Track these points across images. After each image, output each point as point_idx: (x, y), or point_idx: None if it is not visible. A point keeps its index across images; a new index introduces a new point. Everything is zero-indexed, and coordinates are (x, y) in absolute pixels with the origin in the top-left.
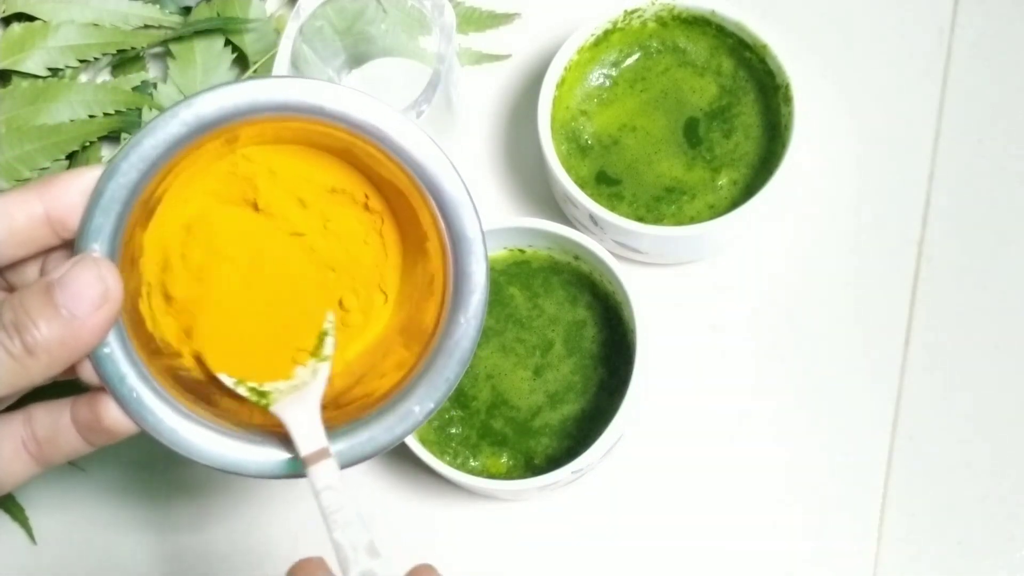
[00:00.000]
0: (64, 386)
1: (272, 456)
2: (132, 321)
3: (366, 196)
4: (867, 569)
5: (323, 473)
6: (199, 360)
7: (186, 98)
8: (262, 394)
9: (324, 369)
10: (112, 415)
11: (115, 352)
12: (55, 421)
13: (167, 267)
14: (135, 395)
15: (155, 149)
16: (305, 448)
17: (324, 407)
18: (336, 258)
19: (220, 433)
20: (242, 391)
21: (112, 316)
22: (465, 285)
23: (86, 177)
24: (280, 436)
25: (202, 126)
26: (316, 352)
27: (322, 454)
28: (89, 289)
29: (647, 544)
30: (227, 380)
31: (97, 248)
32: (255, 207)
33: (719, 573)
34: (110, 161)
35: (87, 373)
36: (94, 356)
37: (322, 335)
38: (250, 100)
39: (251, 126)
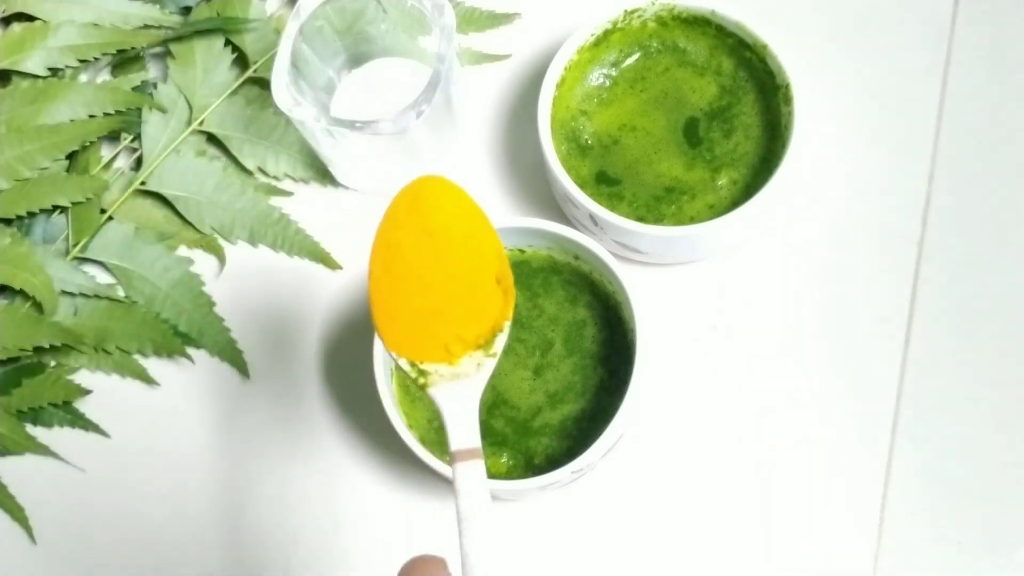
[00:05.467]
0: None
1: None
2: None
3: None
4: (867, 569)
5: (467, 475)
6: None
7: None
8: (421, 372)
9: (489, 365)
10: None
11: None
12: None
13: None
14: None
15: None
16: (457, 443)
17: None
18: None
19: None
20: (403, 363)
21: None
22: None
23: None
24: None
25: None
26: (486, 346)
27: (472, 454)
28: None
29: (647, 544)
30: (389, 350)
31: None
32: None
33: (719, 573)
34: None
35: None
36: None
37: (495, 330)
38: None
39: None
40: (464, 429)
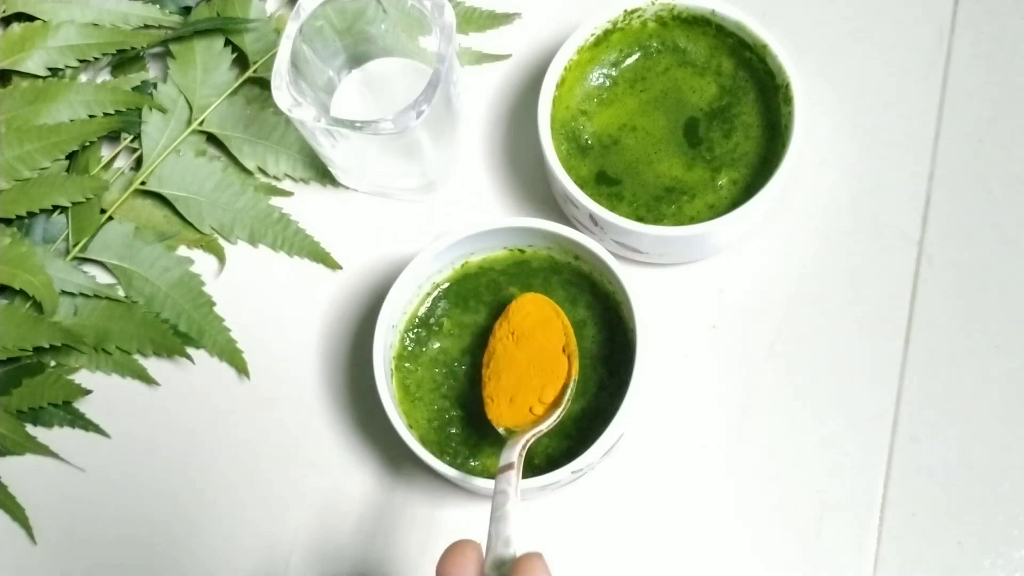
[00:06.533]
0: None
1: None
2: None
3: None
4: (867, 569)
5: (503, 480)
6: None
7: None
8: (511, 432)
9: (557, 413)
10: None
11: None
12: None
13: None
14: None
15: None
16: (503, 460)
17: None
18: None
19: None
20: (500, 430)
21: None
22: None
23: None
24: None
25: None
26: (558, 401)
27: (508, 467)
28: None
29: (647, 544)
30: (491, 422)
31: None
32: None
33: (718, 573)
34: None
35: None
36: None
37: (564, 388)
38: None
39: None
40: (512, 451)
